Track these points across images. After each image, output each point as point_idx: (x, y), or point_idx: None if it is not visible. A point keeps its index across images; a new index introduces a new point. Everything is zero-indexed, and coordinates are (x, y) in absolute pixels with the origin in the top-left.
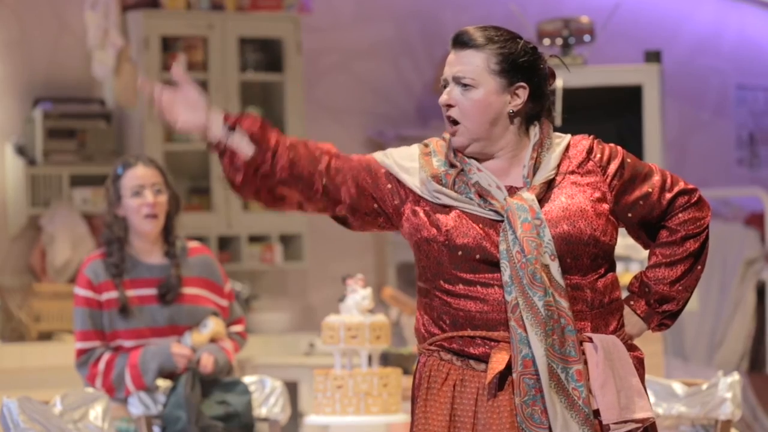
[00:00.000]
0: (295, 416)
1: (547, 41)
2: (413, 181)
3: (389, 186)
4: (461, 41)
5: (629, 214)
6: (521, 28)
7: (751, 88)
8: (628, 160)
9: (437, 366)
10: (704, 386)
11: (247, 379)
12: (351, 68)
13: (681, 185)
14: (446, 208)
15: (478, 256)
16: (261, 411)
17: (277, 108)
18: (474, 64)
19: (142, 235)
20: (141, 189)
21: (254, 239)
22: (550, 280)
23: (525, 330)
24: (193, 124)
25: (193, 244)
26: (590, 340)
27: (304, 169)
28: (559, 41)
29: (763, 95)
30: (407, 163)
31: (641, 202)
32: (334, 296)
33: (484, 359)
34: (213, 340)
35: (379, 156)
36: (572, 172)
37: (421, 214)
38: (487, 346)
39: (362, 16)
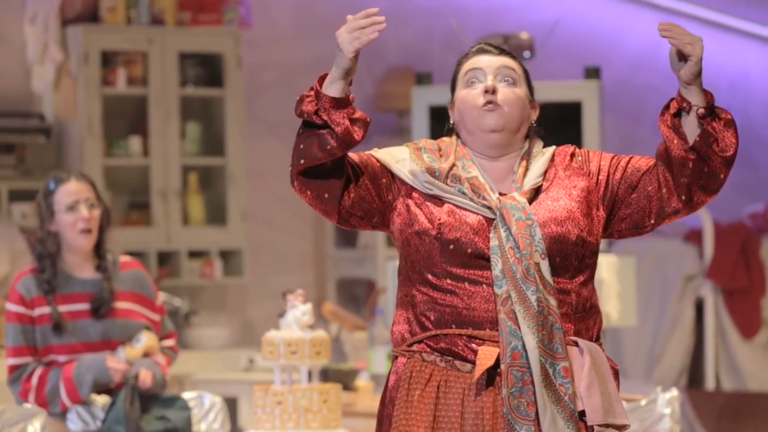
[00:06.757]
0: None
1: None
2: (405, 172)
3: (384, 180)
4: (494, 48)
5: (625, 182)
6: (461, 44)
7: None
8: (607, 153)
9: (419, 367)
10: (643, 402)
11: (187, 395)
12: (291, 83)
13: None
14: (439, 201)
15: (469, 251)
16: (200, 427)
17: (218, 123)
18: (514, 67)
19: (76, 250)
20: (75, 204)
21: (194, 254)
22: (540, 277)
23: (515, 323)
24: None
25: (125, 259)
26: (575, 343)
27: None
28: None
29: None
30: (398, 155)
31: (630, 163)
32: (273, 311)
33: (470, 360)
34: (146, 354)
35: (372, 152)
36: (558, 177)
37: (414, 208)
38: (474, 345)
39: (302, 31)
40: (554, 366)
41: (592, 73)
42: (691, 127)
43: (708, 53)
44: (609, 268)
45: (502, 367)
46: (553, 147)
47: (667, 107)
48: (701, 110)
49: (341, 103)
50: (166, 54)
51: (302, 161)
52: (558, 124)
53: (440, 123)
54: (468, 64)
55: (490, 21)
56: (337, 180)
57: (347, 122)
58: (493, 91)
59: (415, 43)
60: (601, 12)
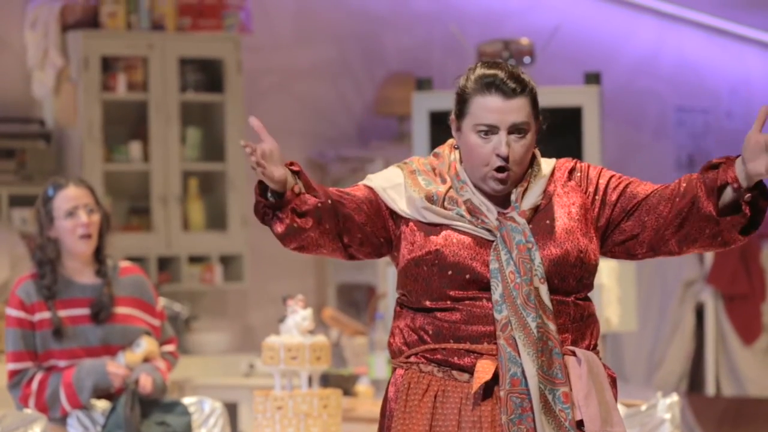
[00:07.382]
0: None
1: None
2: (401, 203)
3: (386, 212)
4: (511, 88)
5: (621, 206)
6: (462, 49)
7: (690, 110)
8: (607, 170)
9: (417, 378)
10: (643, 407)
11: (187, 400)
12: (291, 88)
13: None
14: (436, 227)
15: (468, 276)
16: None
17: (218, 128)
18: (526, 111)
19: (76, 255)
20: (75, 209)
21: (194, 259)
22: (540, 302)
23: (515, 350)
24: (279, 175)
25: (125, 264)
26: (572, 353)
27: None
28: None
29: (701, 117)
30: (394, 179)
31: (628, 188)
32: (274, 317)
33: (468, 370)
34: (146, 359)
35: (369, 183)
36: (557, 195)
37: (411, 237)
38: (472, 357)
39: (302, 36)
40: (554, 392)
41: (592, 78)
42: (726, 196)
43: (709, 58)
44: (609, 273)
45: (502, 394)
46: (554, 161)
47: (715, 167)
48: (748, 196)
49: (283, 203)
50: (167, 59)
51: (285, 243)
52: (558, 129)
53: (440, 128)
54: (480, 110)
55: (491, 26)
56: (329, 232)
57: (289, 220)
58: (506, 159)
59: (416, 49)
60: (601, 17)
